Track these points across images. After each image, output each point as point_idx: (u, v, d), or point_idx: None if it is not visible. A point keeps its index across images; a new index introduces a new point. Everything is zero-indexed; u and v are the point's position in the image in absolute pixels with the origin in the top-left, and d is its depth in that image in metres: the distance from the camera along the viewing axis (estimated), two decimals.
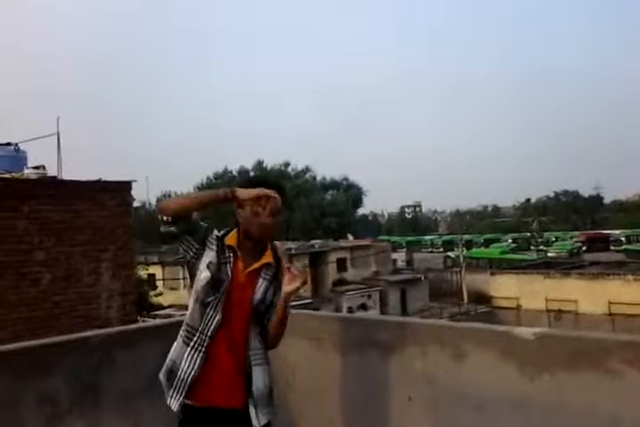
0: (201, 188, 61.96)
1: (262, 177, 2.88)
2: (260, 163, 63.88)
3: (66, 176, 10.50)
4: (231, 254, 2.63)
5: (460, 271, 37.45)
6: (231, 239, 2.65)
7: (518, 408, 2.67)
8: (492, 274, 34.45)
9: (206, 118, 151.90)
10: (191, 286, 2.70)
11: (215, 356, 2.60)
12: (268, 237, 2.66)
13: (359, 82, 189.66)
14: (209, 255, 2.63)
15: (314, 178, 63.33)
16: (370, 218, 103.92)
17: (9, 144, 10.40)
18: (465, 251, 45.10)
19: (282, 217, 2.69)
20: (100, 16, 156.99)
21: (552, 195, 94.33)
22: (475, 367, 2.84)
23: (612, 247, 59.62)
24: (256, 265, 2.64)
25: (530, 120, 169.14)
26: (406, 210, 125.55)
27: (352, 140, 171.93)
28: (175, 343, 2.73)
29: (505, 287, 31.88)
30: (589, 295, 27.87)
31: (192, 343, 2.62)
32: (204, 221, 2.75)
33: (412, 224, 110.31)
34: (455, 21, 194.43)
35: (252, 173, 63.23)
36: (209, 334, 2.59)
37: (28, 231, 8.53)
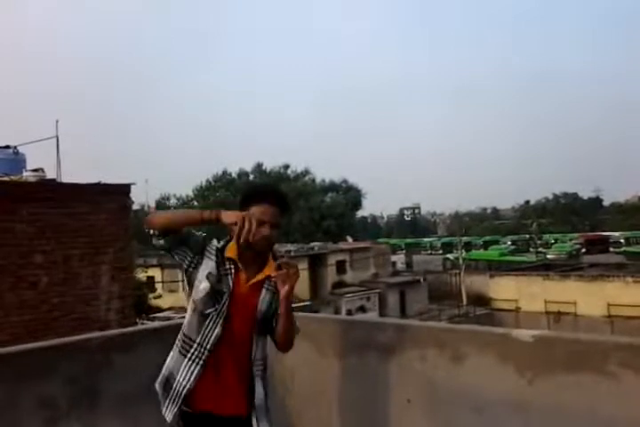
0: (200, 190, 61.95)
1: (262, 188, 2.67)
2: (259, 165, 63.91)
3: (65, 179, 10.50)
4: (232, 266, 2.59)
5: (460, 273, 37.43)
6: (231, 251, 2.60)
7: (517, 411, 2.67)
8: (492, 276, 34.47)
9: (206, 120, 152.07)
10: (189, 294, 2.67)
11: (216, 368, 2.58)
12: (264, 248, 2.61)
13: (358, 84, 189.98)
14: (208, 265, 2.58)
15: (313, 180, 63.35)
16: (369, 220, 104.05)
17: (8, 147, 10.39)
18: (464, 253, 45.08)
19: (279, 227, 2.61)
20: (99, 16, 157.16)
21: (551, 197, 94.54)
22: (474, 370, 2.84)
23: (611, 249, 59.64)
24: (259, 277, 2.61)
25: (529, 122, 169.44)
26: (405, 212, 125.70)
27: (351, 143, 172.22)
28: (172, 353, 2.69)
29: (504, 289, 31.90)
30: (588, 297, 27.87)
31: (189, 355, 2.59)
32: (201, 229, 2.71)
33: (412, 226, 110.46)
34: (455, 22, 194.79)
35: (251, 176, 63.24)
36: (208, 347, 2.56)
37: (27, 234, 8.53)
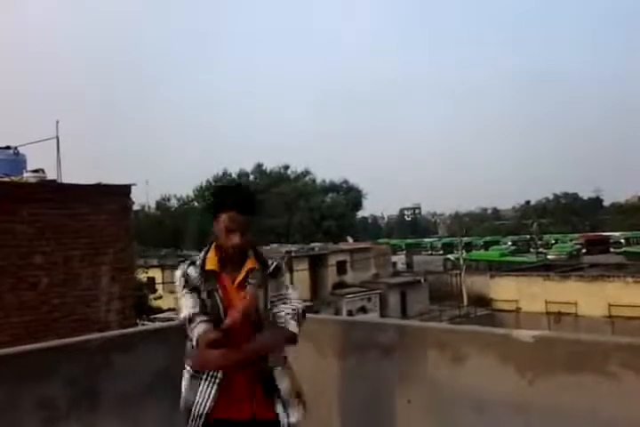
0: (200, 190, 61.94)
1: (227, 195, 2.65)
2: (259, 166, 63.95)
3: (65, 180, 10.50)
4: (215, 279, 2.65)
5: (460, 274, 37.42)
6: (211, 262, 2.66)
7: (518, 411, 2.67)
8: (492, 276, 34.45)
9: (206, 120, 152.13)
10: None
11: (228, 379, 2.61)
12: (238, 254, 2.65)
13: (358, 84, 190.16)
14: (193, 297, 2.63)
15: (313, 181, 63.39)
16: (369, 221, 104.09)
17: (8, 148, 10.39)
18: (465, 253, 45.08)
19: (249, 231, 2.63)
20: (99, 16, 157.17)
21: (552, 197, 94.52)
22: (474, 370, 2.84)
23: (611, 249, 59.64)
24: (240, 276, 2.66)
25: (529, 122, 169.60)
26: (406, 213, 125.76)
27: (351, 143, 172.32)
28: (185, 373, 2.70)
29: (505, 290, 31.88)
30: (589, 298, 27.85)
31: (203, 376, 2.62)
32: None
33: (412, 227, 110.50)
34: (455, 22, 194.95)
35: (251, 177, 63.26)
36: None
37: (27, 235, 8.53)
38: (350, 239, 47.85)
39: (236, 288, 2.66)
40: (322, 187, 63.05)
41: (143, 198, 50.96)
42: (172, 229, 52.50)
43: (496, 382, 2.76)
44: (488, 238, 70.49)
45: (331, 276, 36.26)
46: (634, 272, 31.13)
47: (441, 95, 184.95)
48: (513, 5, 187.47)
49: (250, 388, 2.62)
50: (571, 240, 64.25)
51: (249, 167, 63.98)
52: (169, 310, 24.65)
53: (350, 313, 32.02)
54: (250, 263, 2.67)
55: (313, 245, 40.53)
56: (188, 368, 2.69)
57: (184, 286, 2.67)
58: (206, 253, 2.70)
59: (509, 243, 65.59)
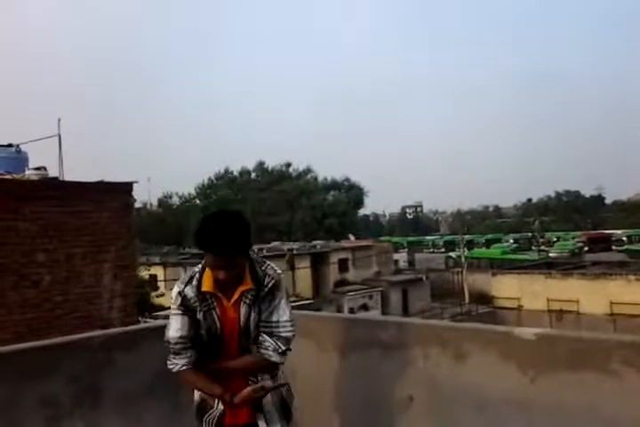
0: (202, 188, 61.94)
1: (205, 239, 2.56)
2: (261, 164, 63.92)
3: (67, 178, 10.51)
4: (211, 299, 2.68)
5: (462, 272, 37.42)
6: (207, 284, 2.67)
7: (519, 409, 2.67)
8: (494, 274, 34.47)
9: (207, 119, 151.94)
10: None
11: (229, 386, 2.68)
12: (230, 282, 2.65)
13: (359, 83, 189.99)
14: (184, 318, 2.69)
15: (315, 179, 63.35)
16: (371, 219, 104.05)
17: (10, 145, 10.39)
18: (466, 251, 45.07)
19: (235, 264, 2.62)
20: (99, 16, 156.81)
21: (553, 195, 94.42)
22: (476, 368, 2.84)
23: (613, 247, 59.58)
24: (236, 296, 2.67)
25: (531, 120, 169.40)
26: (407, 210, 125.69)
27: (353, 142, 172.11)
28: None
29: (506, 288, 31.89)
30: (591, 295, 27.85)
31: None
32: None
33: (414, 225, 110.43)
34: (455, 22, 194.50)
35: (253, 175, 63.21)
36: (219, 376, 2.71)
37: (29, 233, 8.53)
38: (352, 237, 47.83)
39: (232, 307, 2.69)
40: (323, 185, 63.02)
41: (145, 196, 50.90)
42: (174, 227, 52.50)
43: (498, 380, 2.76)
44: (490, 236, 70.40)
45: (332, 273, 36.27)
46: (636, 270, 31.14)
47: (441, 94, 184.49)
48: (513, 5, 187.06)
49: (244, 407, 2.70)
50: (573, 238, 64.19)
51: (251, 165, 64.00)
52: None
53: (352, 311, 32.05)
54: (245, 284, 2.67)
55: (315, 242, 40.55)
56: None
57: (178, 306, 2.70)
58: (201, 273, 2.70)
59: (511, 241, 65.54)
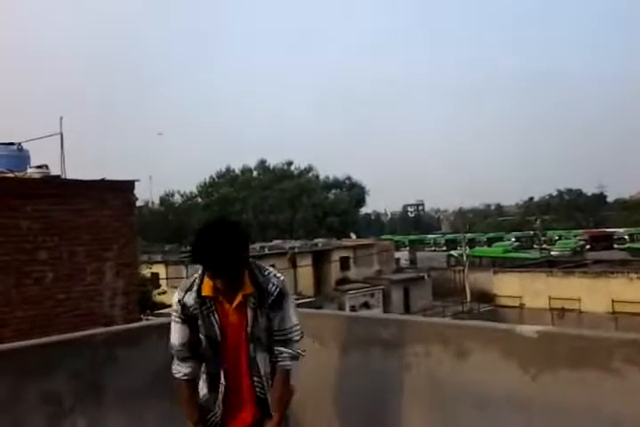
0: (204, 186, 61.94)
1: (199, 257, 2.58)
2: (262, 162, 63.90)
3: (69, 176, 10.51)
4: (211, 303, 2.70)
5: (463, 270, 37.40)
6: (207, 289, 2.68)
7: (521, 406, 2.67)
8: (495, 273, 34.40)
9: (209, 118, 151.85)
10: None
11: (233, 392, 2.75)
12: (229, 289, 2.67)
13: (360, 83, 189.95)
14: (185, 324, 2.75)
15: (317, 177, 63.32)
16: (373, 217, 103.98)
17: (12, 144, 10.40)
18: (468, 250, 45.04)
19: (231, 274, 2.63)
20: (99, 16, 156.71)
21: (555, 193, 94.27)
22: (477, 365, 2.84)
23: (615, 246, 59.52)
24: (238, 299, 2.68)
25: (533, 119, 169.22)
26: (409, 209, 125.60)
27: (354, 142, 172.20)
28: (200, 382, 2.84)
29: (508, 286, 31.85)
30: (593, 294, 27.81)
31: (214, 388, 2.79)
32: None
33: (415, 223, 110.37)
34: (456, 23, 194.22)
35: (255, 173, 63.20)
36: (221, 380, 2.75)
37: (31, 230, 8.54)
38: (353, 236, 47.81)
39: (233, 311, 2.70)
40: (325, 183, 63.02)
41: (147, 194, 50.87)
42: (175, 225, 52.50)
43: (499, 378, 2.76)
44: (491, 235, 70.33)
45: (334, 272, 36.31)
46: (637, 268, 31.05)
47: (442, 94, 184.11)
48: (513, 5, 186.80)
49: (250, 400, 2.76)
50: (574, 236, 64.13)
51: (252, 164, 63.99)
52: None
53: (353, 309, 32.05)
54: (246, 288, 2.68)
55: (316, 241, 40.55)
56: (202, 376, 2.83)
57: (178, 315, 2.75)
58: (202, 278, 2.71)
59: (513, 239, 65.49)
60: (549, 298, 29.46)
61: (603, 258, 41.47)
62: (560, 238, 64.34)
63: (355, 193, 61.90)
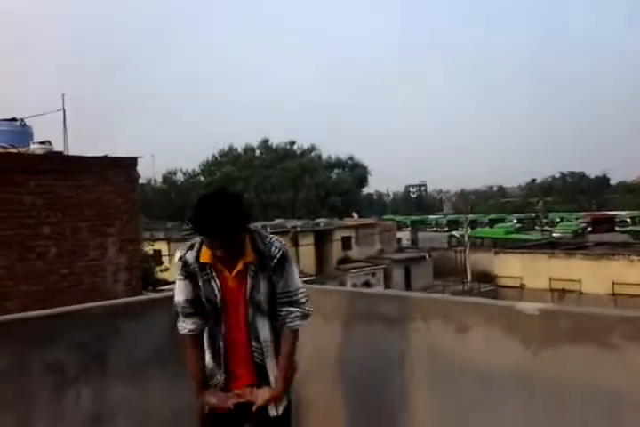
0: (206, 165, 61.82)
1: (199, 224, 2.54)
2: (265, 141, 63.67)
3: (72, 152, 10.51)
4: (211, 270, 2.70)
5: (465, 250, 37.48)
6: (205, 255, 2.68)
7: (521, 381, 2.69)
8: (496, 253, 34.46)
9: (211, 95, 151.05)
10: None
11: (232, 358, 2.78)
12: (229, 258, 2.66)
13: (364, 60, 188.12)
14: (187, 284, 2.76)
15: (319, 157, 63.12)
16: (375, 197, 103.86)
17: (14, 120, 10.39)
18: (469, 230, 45.07)
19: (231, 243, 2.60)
20: None
21: (558, 175, 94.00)
22: (478, 341, 2.85)
23: (617, 228, 59.50)
24: (239, 267, 2.68)
25: (537, 101, 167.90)
26: (411, 190, 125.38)
27: (358, 120, 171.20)
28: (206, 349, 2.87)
29: (509, 267, 31.91)
30: (593, 275, 27.87)
31: (214, 356, 2.82)
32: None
33: (417, 204, 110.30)
34: None
35: (257, 152, 63.00)
36: (221, 349, 2.78)
37: (35, 206, 8.56)
38: (355, 215, 47.83)
39: (233, 278, 2.70)
40: (327, 163, 62.85)
41: (149, 172, 50.87)
42: (178, 203, 52.54)
43: (500, 354, 2.77)
44: (493, 216, 70.35)
45: (336, 251, 36.41)
46: (639, 251, 31.10)
47: (447, 73, 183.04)
48: None
49: (249, 366, 2.78)
50: (576, 219, 64.09)
51: (255, 143, 63.77)
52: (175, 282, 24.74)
53: (354, 287, 32.20)
54: (247, 256, 2.68)
55: (318, 220, 40.57)
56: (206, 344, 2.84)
57: (180, 271, 2.76)
58: (202, 243, 2.70)
59: (514, 220, 65.48)
60: (550, 279, 29.53)
61: (604, 240, 41.46)
62: (562, 220, 64.32)
63: (357, 173, 61.75)
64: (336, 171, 62.61)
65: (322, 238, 35.94)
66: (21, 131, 10.26)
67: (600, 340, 2.48)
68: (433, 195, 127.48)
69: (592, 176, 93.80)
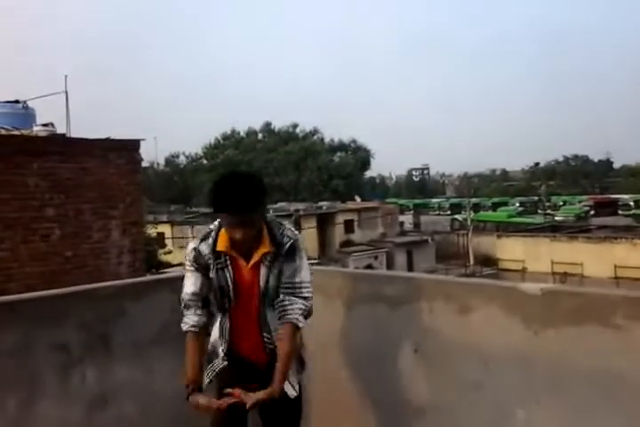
0: (209, 148, 61.71)
1: (219, 199, 2.54)
2: (267, 124, 63.51)
3: (74, 135, 10.49)
4: (226, 258, 2.68)
5: (467, 234, 37.46)
6: (222, 243, 2.66)
7: (523, 361, 2.70)
8: (499, 237, 34.46)
9: (215, 79, 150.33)
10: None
11: (240, 344, 2.78)
12: (247, 242, 2.63)
13: (368, 42, 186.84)
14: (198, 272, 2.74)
15: (322, 140, 62.96)
16: (377, 181, 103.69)
17: (17, 102, 10.37)
18: (472, 214, 45.03)
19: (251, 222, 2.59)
20: None
21: (561, 159, 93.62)
22: (480, 322, 2.86)
23: (620, 212, 59.39)
24: (255, 258, 2.67)
25: (541, 83, 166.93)
26: (414, 173, 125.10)
27: (361, 102, 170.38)
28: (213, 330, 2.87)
29: (511, 250, 31.92)
30: (596, 259, 27.87)
31: (219, 346, 2.82)
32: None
33: (420, 187, 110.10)
34: None
35: (260, 135, 62.84)
36: (227, 338, 2.77)
37: (38, 188, 8.58)
38: (358, 199, 47.82)
39: (249, 269, 2.69)
40: (330, 146, 62.69)
41: (152, 155, 50.85)
42: (181, 186, 52.58)
43: (501, 334, 2.78)
44: (496, 199, 70.19)
45: (338, 234, 36.43)
46: None
47: (451, 56, 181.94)
48: None
49: (260, 354, 2.78)
50: (579, 202, 63.96)
51: (257, 126, 63.58)
52: (178, 264, 24.87)
53: None
54: (264, 247, 2.66)
55: (321, 203, 40.58)
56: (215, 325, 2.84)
57: (192, 263, 2.73)
58: (217, 231, 2.69)
59: (517, 204, 65.36)
60: (552, 262, 29.56)
61: (607, 224, 41.40)
62: (564, 204, 64.21)
63: (360, 156, 61.61)
64: (339, 154, 62.48)
65: (324, 222, 35.95)
66: (24, 113, 10.25)
67: (603, 320, 2.48)
68: (436, 178, 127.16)
69: (595, 160, 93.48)
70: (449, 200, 76.55)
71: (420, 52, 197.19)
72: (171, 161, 61.35)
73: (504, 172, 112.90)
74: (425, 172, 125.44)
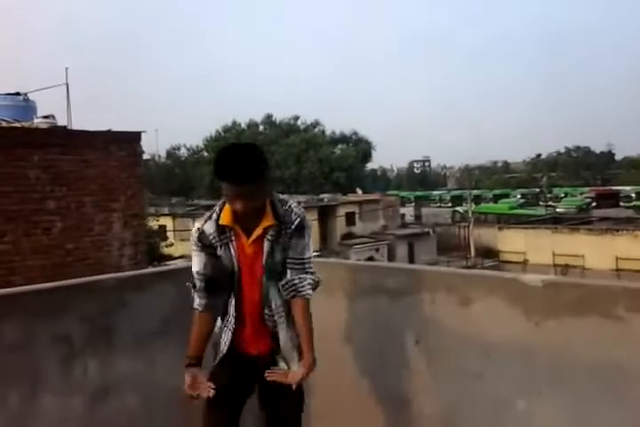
0: (210, 141, 61.61)
1: (221, 167, 2.54)
2: (269, 116, 63.31)
3: (75, 127, 10.48)
4: (229, 233, 2.69)
5: (468, 226, 37.45)
6: (225, 218, 2.67)
7: (523, 353, 2.70)
8: (500, 229, 34.47)
9: (215, 79, 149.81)
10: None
11: (243, 324, 2.79)
12: (248, 213, 2.63)
13: (368, 42, 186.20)
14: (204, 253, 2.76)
15: (323, 132, 62.81)
16: (379, 173, 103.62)
17: (18, 94, 10.35)
18: (474, 206, 45.00)
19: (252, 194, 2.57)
20: None
21: (563, 150, 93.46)
22: (482, 313, 2.86)
23: (621, 204, 59.35)
24: (258, 232, 2.67)
25: (543, 75, 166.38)
26: (415, 165, 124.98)
27: (362, 95, 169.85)
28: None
29: (512, 242, 31.94)
30: (597, 251, 27.88)
31: (224, 322, 2.84)
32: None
33: (421, 179, 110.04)
34: None
35: (261, 127, 62.73)
36: (232, 313, 2.79)
37: (40, 180, 8.57)
38: (359, 191, 47.79)
39: (252, 244, 2.69)
40: (331, 138, 62.55)
41: (153, 148, 50.77)
42: (182, 179, 52.54)
43: (503, 325, 2.79)
44: (497, 191, 70.16)
45: (339, 226, 36.44)
46: None
47: (454, 48, 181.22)
48: None
49: (261, 332, 2.79)
50: (581, 194, 63.92)
51: (259, 118, 63.42)
52: (180, 257, 24.91)
53: None
54: (267, 220, 2.67)
55: (322, 196, 40.55)
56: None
57: (196, 243, 2.74)
58: (221, 207, 2.70)
59: (518, 196, 65.33)
60: (553, 254, 29.57)
61: (609, 215, 41.37)
62: (566, 196, 64.17)
63: (361, 148, 61.47)
64: (340, 146, 62.35)
65: (326, 214, 35.95)
66: (25, 105, 10.24)
67: (604, 311, 2.48)
68: (437, 170, 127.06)
69: (597, 151, 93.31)
70: (450, 192, 76.49)
71: (419, 52, 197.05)
72: (172, 153, 61.28)
73: (505, 163, 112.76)
74: (426, 164, 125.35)
